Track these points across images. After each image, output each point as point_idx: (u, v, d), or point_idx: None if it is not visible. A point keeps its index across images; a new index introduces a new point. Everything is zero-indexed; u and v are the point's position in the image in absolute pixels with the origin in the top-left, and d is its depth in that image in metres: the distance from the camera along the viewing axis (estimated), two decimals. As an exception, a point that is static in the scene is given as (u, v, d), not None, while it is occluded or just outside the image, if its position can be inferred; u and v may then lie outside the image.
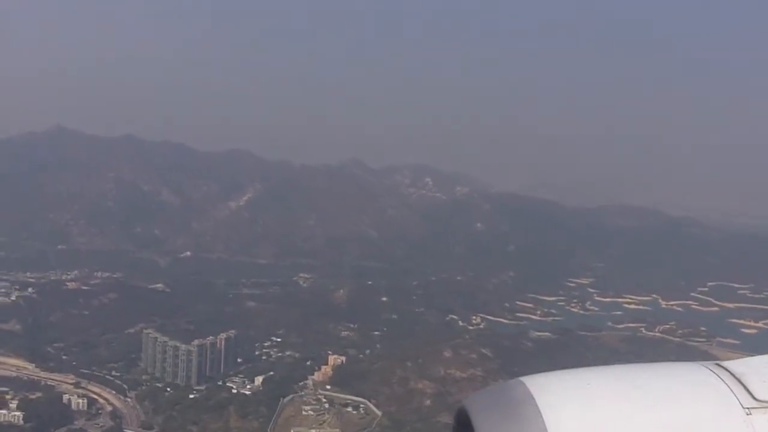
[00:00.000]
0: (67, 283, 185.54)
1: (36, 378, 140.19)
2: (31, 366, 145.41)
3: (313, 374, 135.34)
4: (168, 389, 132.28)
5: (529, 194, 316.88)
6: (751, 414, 4.08)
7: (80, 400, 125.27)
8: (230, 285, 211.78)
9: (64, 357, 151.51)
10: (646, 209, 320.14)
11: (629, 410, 4.02)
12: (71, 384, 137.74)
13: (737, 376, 4.28)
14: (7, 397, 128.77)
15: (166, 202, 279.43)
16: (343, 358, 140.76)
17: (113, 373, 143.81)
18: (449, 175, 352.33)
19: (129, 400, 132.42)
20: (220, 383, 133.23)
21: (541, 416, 3.94)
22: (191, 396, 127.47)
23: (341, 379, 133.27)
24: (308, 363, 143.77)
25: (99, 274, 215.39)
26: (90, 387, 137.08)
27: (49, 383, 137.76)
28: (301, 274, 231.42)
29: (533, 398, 4.03)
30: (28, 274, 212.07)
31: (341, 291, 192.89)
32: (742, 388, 4.20)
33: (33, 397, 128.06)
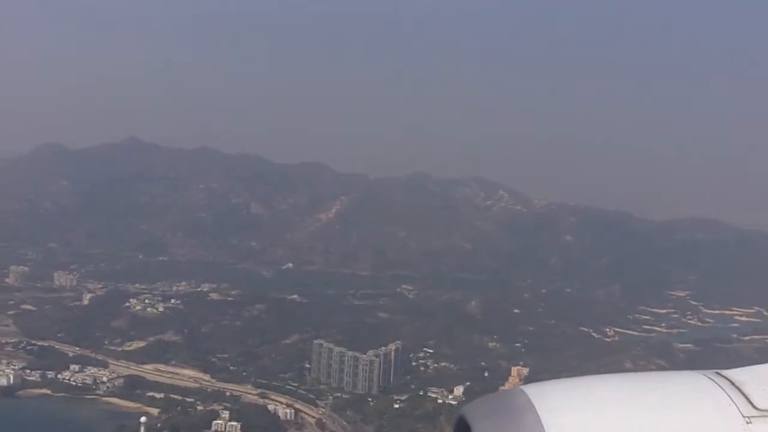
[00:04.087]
0: (210, 294, 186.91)
1: (218, 389, 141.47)
2: (206, 376, 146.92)
3: (503, 385, 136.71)
4: (369, 399, 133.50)
5: (603, 207, 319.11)
6: (751, 423, 4.10)
7: (287, 410, 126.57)
8: (340, 296, 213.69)
9: (231, 367, 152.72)
10: (717, 222, 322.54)
11: (629, 419, 4.09)
12: (255, 394, 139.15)
13: (737, 384, 4.31)
14: (214, 407, 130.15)
15: (257, 214, 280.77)
16: (527, 370, 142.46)
17: (290, 383, 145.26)
18: (511, 187, 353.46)
19: (322, 409, 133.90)
20: (421, 393, 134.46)
21: (542, 424, 4.00)
22: (396, 406, 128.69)
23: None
24: (486, 374, 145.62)
25: (206, 285, 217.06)
26: (274, 397, 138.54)
27: (234, 394, 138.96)
28: (404, 286, 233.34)
29: (533, 406, 4.10)
30: (137, 285, 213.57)
31: (473, 303, 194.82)
32: (742, 396, 4.22)
33: (234, 407, 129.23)
